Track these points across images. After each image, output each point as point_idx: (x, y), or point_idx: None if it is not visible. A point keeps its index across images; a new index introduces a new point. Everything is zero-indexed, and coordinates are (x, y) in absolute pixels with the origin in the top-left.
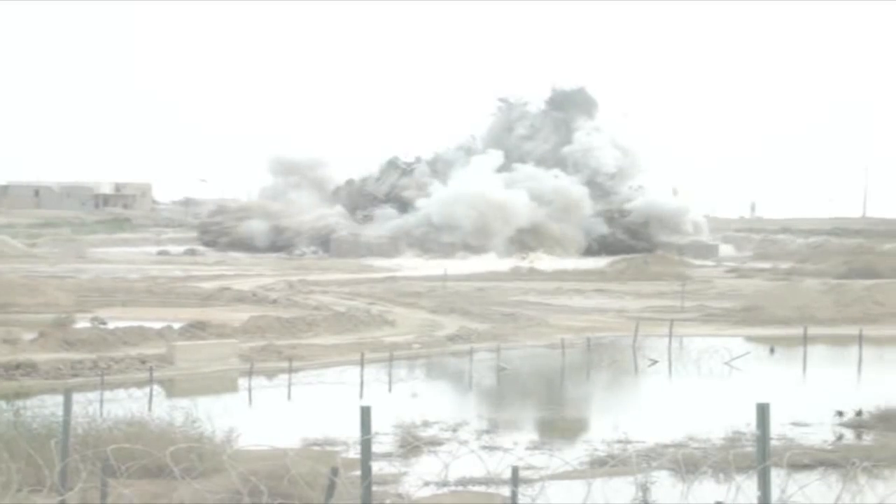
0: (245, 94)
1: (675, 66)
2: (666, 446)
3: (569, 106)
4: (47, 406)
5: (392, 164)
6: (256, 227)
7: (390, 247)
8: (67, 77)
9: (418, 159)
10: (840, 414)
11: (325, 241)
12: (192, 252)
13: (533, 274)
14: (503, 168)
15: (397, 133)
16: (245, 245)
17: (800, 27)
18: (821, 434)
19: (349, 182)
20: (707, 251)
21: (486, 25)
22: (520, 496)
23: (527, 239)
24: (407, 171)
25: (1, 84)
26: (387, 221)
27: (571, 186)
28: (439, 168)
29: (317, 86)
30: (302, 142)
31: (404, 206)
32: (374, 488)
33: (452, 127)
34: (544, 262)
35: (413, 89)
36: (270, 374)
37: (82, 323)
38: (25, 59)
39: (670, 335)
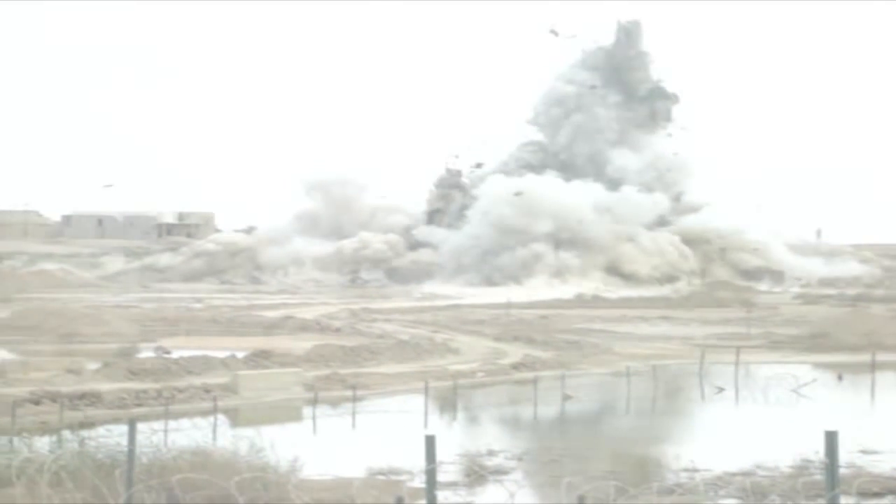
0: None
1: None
2: (733, 475)
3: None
4: (112, 436)
5: (448, 180)
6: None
7: (452, 272)
8: (128, 105)
9: (479, 165)
10: None
11: (389, 269)
12: (255, 280)
13: (597, 301)
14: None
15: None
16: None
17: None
18: (890, 462)
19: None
20: (773, 276)
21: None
22: None
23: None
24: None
25: (68, 114)
26: (443, 243)
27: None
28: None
29: (350, 105)
30: (338, 161)
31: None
32: None
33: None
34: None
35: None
36: (334, 403)
37: (146, 352)
38: (94, 92)
39: (737, 362)
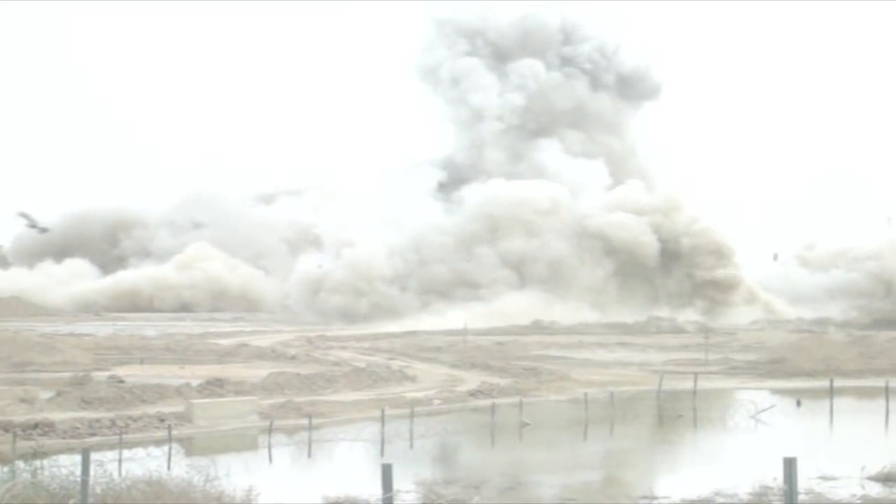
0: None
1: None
2: (692, 502)
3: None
4: (65, 466)
5: None
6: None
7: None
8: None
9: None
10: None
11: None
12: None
13: (553, 328)
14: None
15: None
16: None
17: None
18: (849, 488)
19: None
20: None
21: None
22: None
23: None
24: None
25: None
26: None
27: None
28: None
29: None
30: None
31: None
32: None
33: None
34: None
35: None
36: (290, 432)
37: (100, 381)
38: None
39: (695, 388)
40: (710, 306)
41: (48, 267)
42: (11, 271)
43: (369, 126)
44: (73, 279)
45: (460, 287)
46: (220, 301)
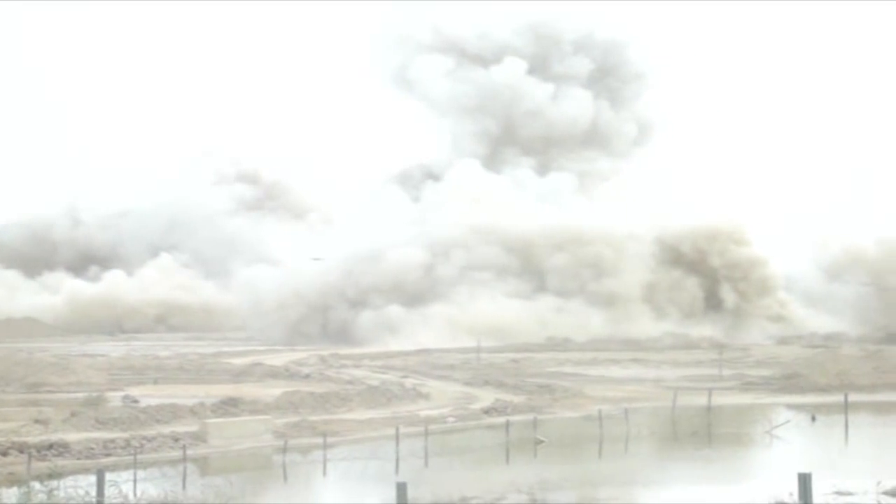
0: None
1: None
2: None
3: None
4: (80, 486)
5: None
6: None
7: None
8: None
9: None
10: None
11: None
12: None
13: (568, 344)
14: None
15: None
16: None
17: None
18: (864, 503)
19: None
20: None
21: None
22: None
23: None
24: None
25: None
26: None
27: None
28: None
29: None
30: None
31: None
32: None
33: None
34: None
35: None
36: (305, 450)
37: (114, 402)
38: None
39: (709, 404)
40: (734, 321)
41: None
42: None
43: (348, 134)
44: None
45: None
46: (177, 318)
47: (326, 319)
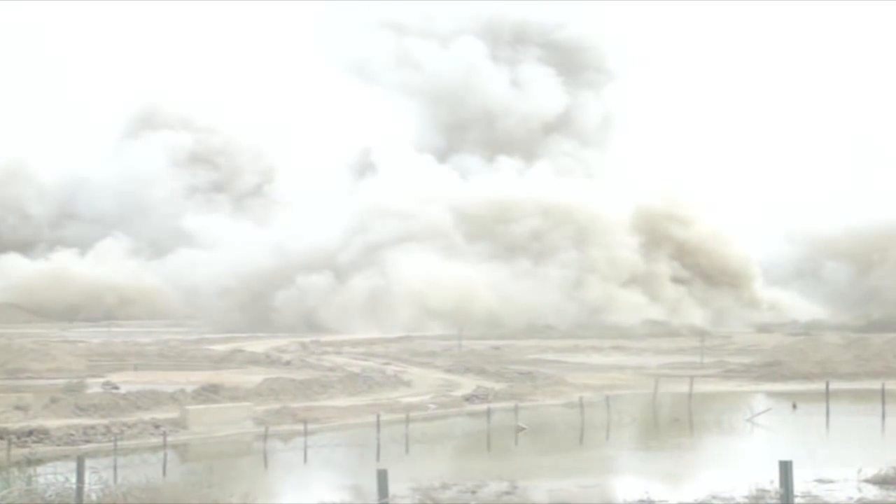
0: None
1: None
2: None
3: None
4: (60, 473)
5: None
6: None
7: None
8: None
9: None
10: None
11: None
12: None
13: (549, 331)
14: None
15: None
16: None
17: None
18: (846, 491)
19: None
20: None
21: None
22: None
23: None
24: None
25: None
26: None
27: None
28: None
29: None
30: None
31: None
32: None
33: None
34: None
35: None
36: (286, 437)
37: (94, 388)
38: None
39: (691, 392)
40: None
41: None
42: None
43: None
44: None
45: None
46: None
47: (266, 304)
